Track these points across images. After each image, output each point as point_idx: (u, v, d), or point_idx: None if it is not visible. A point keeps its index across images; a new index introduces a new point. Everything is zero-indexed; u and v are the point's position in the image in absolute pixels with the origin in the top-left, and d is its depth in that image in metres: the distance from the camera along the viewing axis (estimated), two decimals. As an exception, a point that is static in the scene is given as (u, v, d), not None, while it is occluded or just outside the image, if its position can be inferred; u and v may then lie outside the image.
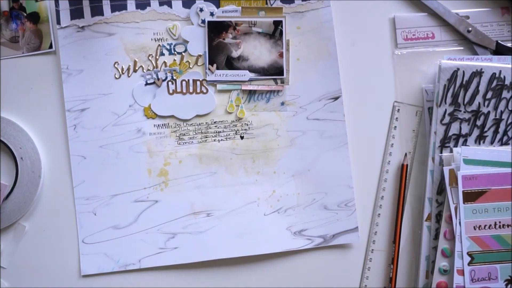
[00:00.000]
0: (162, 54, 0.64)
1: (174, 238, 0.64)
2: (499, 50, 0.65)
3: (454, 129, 0.63)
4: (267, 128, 0.65)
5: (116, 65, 0.64)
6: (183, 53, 0.65)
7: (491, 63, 0.63)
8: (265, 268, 0.65)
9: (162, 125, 0.64)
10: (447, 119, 0.63)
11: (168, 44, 0.64)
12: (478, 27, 0.65)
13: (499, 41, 0.65)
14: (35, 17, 0.64)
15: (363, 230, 0.65)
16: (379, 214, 0.66)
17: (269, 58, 0.64)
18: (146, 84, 0.64)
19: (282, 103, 0.65)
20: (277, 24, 0.64)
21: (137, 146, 0.64)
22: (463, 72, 0.62)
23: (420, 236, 0.64)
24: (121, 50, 0.64)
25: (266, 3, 0.64)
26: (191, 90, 0.65)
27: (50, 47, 0.64)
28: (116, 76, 0.64)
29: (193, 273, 0.65)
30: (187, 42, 0.64)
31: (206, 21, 0.64)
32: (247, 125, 0.65)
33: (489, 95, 0.62)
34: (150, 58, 0.64)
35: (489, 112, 0.63)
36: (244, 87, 0.65)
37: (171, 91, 0.64)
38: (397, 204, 0.65)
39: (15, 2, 0.64)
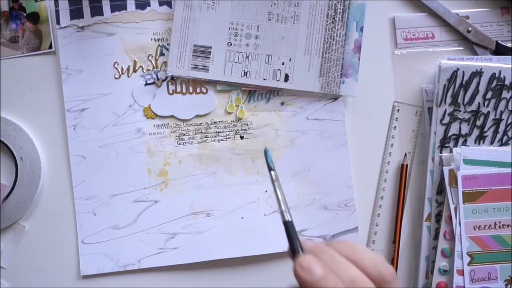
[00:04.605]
0: (162, 54, 0.65)
1: (174, 238, 0.64)
2: (499, 50, 0.65)
3: (454, 129, 0.63)
4: (267, 128, 0.65)
5: (116, 65, 0.64)
6: (183, 53, 0.65)
7: (491, 63, 0.63)
8: (265, 268, 0.65)
9: (162, 125, 0.64)
10: (447, 119, 0.63)
11: (168, 44, 0.64)
12: (478, 27, 0.65)
13: (499, 41, 0.65)
14: (35, 17, 0.64)
15: (363, 230, 0.65)
16: (379, 214, 0.66)
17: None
18: (146, 84, 0.64)
19: (282, 103, 0.65)
20: (277, 24, 0.64)
21: (137, 146, 0.64)
22: (463, 72, 0.62)
23: (420, 236, 0.64)
24: (121, 50, 0.64)
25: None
26: (191, 90, 0.65)
27: (50, 47, 0.64)
28: (116, 76, 0.64)
29: (193, 273, 0.65)
30: (187, 42, 0.64)
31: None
32: (247, 125, 0.65)
33: (489, 95, 0.62)
34: (150, 58, 0.64)
35: (489, 112, 0.63)
36: (243, 87, 0.65)
37: (171, 91, 0.64)
38: (397, 204, 0.65)
39: (15, 2, 0.64)
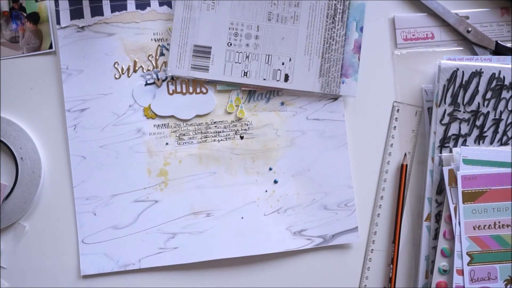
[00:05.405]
0: (162, 54, 0.65)
1: (174, 238, 0.64)
2: (499, 50, 0.65)
3: (453, 129, 0.63)
4: (267, 128, 0.65)
5: (116, 65, 0.64)
6: (183, 53, 0.65)
7: (490, 63, 0.63)
8: (265, 268, 0.65)
9: (162, 125, 0.65)
10: (446, 119, 0.63)
11: (168, 44, 0.64)
12: (478, 27, 0.65)
13: (499, 41, 0.65)
14: (35, 17, 0.64)
15: (362, 230, 0.65)
16: (378, 214, 0.66)
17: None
18: (146, 84, 0.64)
19: (282, 103, 0.65)
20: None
21: (137, 146, 0.64)
22: (463, 72, 0.62)
23: (420, 236, 0.64)
24: (121, 50, 0.64)
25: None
26: (191, 90, 0.65)
27: (50, 47, 0.64)
28: (116, 76, 0.64)
29: (193, 273, 0.65)
30: (187, 42, 0.64)
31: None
32: (247, 125, 0.65)
33: (488, 95, 0.63)
34: (150, 58, 0.64)
35: (488, 112, 0.63)
36: (243, 87, 0.65)
37: (171, 91, 0.65)
38: (397, 204, 0.65)
39: (15, 2, 0.64)
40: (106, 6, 0.64)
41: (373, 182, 0.66)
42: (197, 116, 0.65)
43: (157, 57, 0.65)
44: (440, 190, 0.63)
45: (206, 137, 0.65)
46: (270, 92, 0.65)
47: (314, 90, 0.64)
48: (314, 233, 0.65)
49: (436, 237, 0.63)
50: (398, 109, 0.66)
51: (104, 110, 0.64)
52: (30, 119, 0.65)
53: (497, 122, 0.63)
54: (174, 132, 0.65)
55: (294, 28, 0.64)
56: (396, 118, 0.66)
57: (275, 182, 0.65)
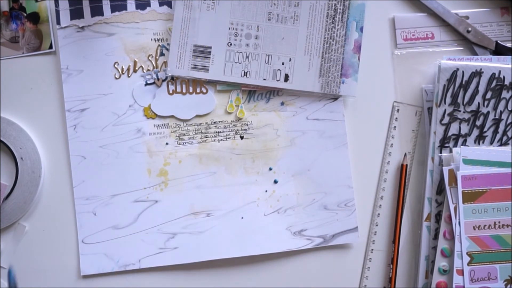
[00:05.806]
0: (162, 54, 0.65)
1: (174, 238, 0.64)
2: (499, 50, 0.65)
3: (453, 129, 0.63)
4: (267, 128, 0.65)
5: (116, 65, 0.64)
6: (183, 53, 0.65)
7: (490, 63, 0.63)
8: (265, 268, 0.65)
9: (162, 125, 0.65)
10: (446, 119, 0.63)
11: (168, 44, 0.64)
12: (478, 27, 0.65)
13: (499, 41, 0.65)
14: (35, 17, 0.64)
15: (362, 230, 0.66)
16: (378, 214, 0.66)
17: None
18: (146, 84, 0.64)
19: (282, 103, 0.65)
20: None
21: (137, 146, 0.64)
22: (463, 72, 0.62)
23: (420, 236, 0.64)
24: (121, 50, 0.64)
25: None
26: (191, 90, 0.65)
27: (50, 47, 0.64)
28: (116, 76, 0.64)
29: (193, 273, 0.65)
30: (187, 42, 0.64)
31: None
32: (247, 125, 0.65)
33: (488, 95, 0.63)
34: (150, 58, 0.65)
35: (488, 112, 0.63)
36: (243, 87, 0.65)
37: (171, 91, 0.65)
38: (397, 204, 0.65)
39: (15, 2, 0.64)
40: (106, 6, 0.64)
41: (373, 182, 0.66)
42: (197, 116, 0.65)
43: (157, 57, 0.65)
44: (440, 190, 0.63)
45: (206, 137, 0.65)
46: (270, 92, 0.65)
47: (314, 90, 0.64)
48: (314, 233, 0.65)
49: (436, 237, 0.63)
50: (398, 109, 0.66)
51: (104, 110, 0.64)
52: (30, 119, 0.65)
53: (497, 122, 0.63)
54: (174, 132, 0.65)
55: (294, 28, 0.64)
56: (396, 118, 0.66)
57: (275, 182, 0.65)
